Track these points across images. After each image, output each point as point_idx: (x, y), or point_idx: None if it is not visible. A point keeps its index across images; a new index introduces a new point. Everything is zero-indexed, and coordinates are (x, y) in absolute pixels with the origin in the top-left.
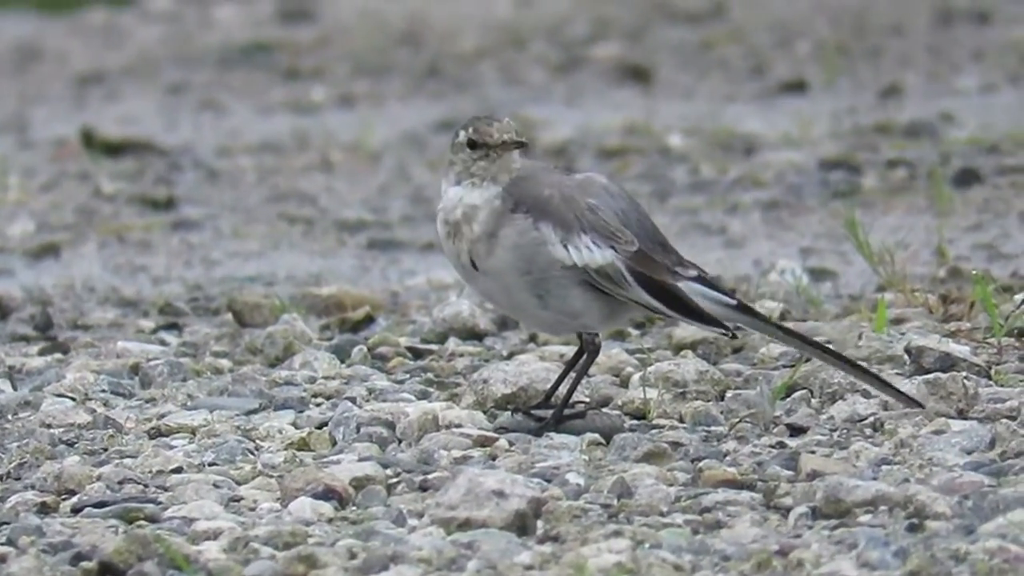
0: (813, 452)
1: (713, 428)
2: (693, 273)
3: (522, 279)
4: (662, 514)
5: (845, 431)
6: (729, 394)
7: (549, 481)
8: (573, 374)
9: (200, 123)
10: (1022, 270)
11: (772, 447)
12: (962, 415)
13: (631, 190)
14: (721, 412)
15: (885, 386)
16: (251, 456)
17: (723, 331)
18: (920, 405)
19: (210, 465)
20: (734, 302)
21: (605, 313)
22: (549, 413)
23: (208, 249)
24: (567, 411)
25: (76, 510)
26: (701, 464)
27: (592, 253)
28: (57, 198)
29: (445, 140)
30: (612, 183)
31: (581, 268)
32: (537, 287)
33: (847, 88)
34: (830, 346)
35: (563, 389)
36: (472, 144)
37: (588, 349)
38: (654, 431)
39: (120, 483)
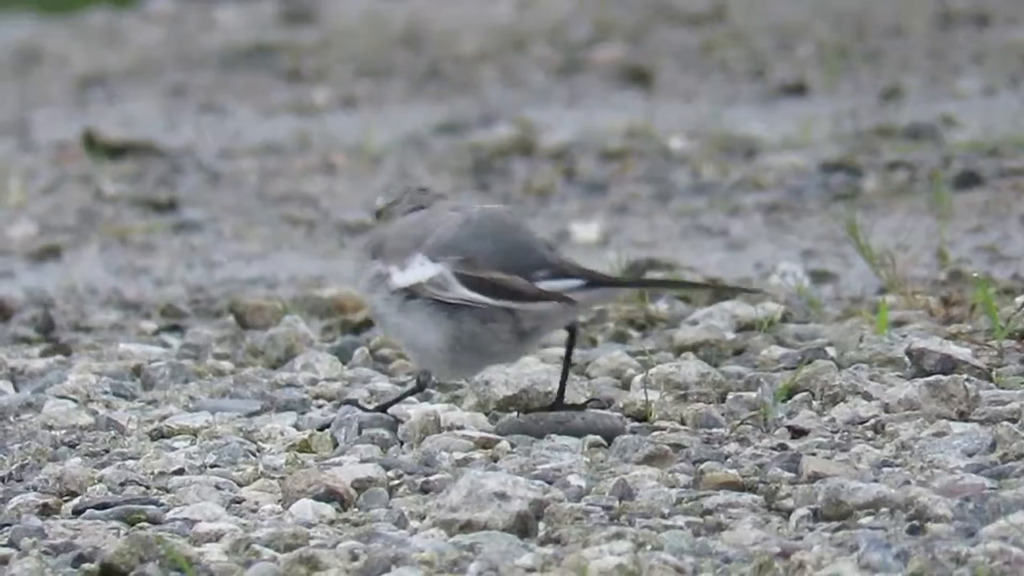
0: (814, 454)
1: (714, 430)
2: (549, 272)
3: (389, 319)
4: (663, 516)
5: (846, 433)
6: (731, 396)
7: (551, 483)
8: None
9: (202, 125)
10: (1023, 272)
11: (773, 449)
12: (963, 417)
13: (631, 192)
14: (723, 414)
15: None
16: (253, 458)
17: (558, 299)
18: (758, 291)
19: (212, 467)
20: (581, 282)
21: (455, 335)
22: (552, 414)
23: (210, 251)
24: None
25: (78, 512)
26: (702, 466)
27: (424, 269)
28: (59, 200)
29: (446, 142)
30: (493, 212)
31: (416, 284)
32: (400, 322)
33: (848, 91)
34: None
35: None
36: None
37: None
38: (655, 433)
39: (122, 485)
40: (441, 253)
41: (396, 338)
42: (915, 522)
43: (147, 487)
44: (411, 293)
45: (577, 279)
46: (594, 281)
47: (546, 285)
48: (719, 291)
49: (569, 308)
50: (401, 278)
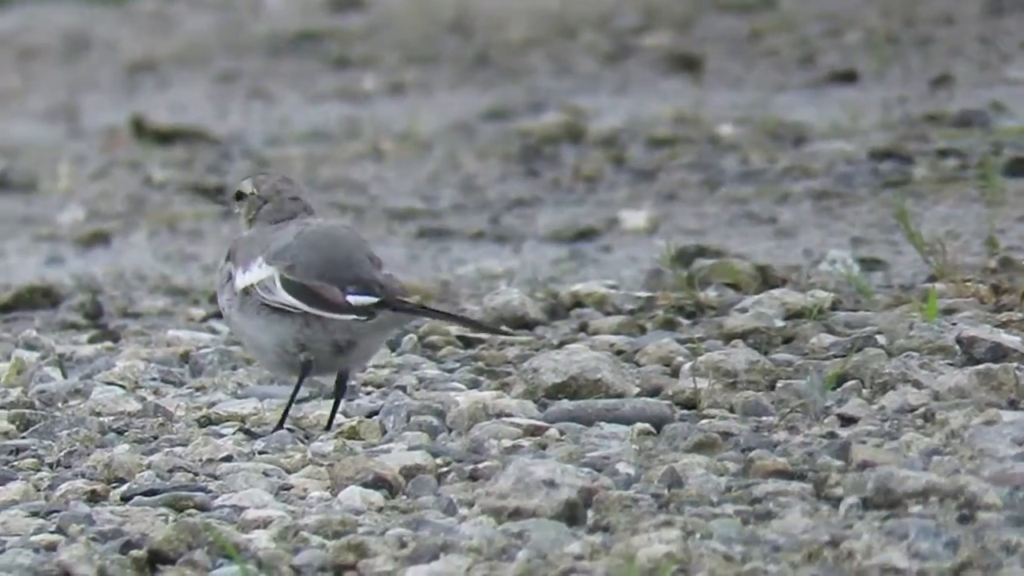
0: (864, 442)
1: (764, 418)
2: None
3: (232, 318)
4: (712, 504)
5: (896, 421)
6: (780, 384)
7: (600, 471)
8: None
9: (250, 112)
10: None
11: (823, 437)
12: (1013, 406)
13: (680, 179)
14: (772, 402)
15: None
16: (301, 444)
17: (355, 315)
18: (499, 332)
19: (260, 453)
20: (377, 299)
21: (282, 338)
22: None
23: None
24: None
25: (126, 498)
26: (752, 454)
27: (260, 272)
28: (107, 187)
29: (494, 129)
30: (327, 227)
31: (249, 285)
32: (240, 322)
33: (897, 78)
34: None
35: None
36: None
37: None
38: (704, 421)
39: (170, 471)
40: (274, 259)
41: (239, 337)
42: (965, 511)
43: (195, 474)
44: (247, 294)
45: (375, 297)
46: (385, 302)
47: (354, 299)
48: (484, 330)
49: (379, 323)
50: (241, 279)
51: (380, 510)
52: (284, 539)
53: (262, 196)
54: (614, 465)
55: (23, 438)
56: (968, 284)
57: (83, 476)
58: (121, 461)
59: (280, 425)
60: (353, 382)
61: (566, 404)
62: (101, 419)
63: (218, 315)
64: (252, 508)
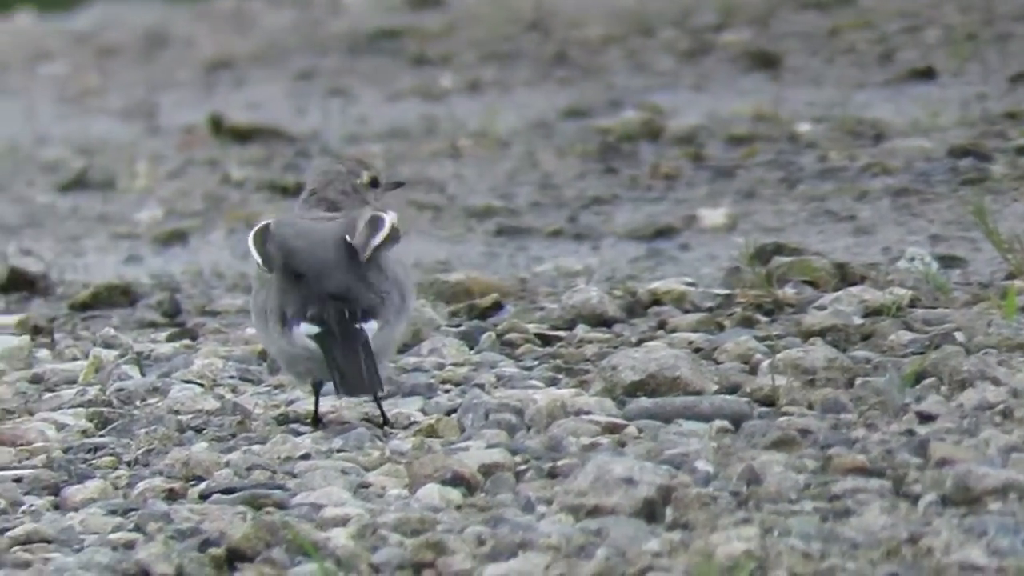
0: (943, 440)
1: (842, 415)
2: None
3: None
4: (791, 501)
5: (975, 418)
6: (858, 381)
7: (678, 468)
8: None
9: (328, 109)
10: None
11: (901, 434)
12: None
13: (758, 177)
14: (850, 399)
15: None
16: (379, 442)
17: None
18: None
19: (338, 451)
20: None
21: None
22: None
23: None
24: None
25: (204, 496)
26: (830, 451)
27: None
28: (185, 185)
29: (573, 127)
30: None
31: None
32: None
33: (976, 75)
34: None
35: None
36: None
37: None
38: (783, 418)
39: (248, 469)
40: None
41: None
42: None
43: (273, 472)
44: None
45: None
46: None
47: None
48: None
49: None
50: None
51: (458, 508)
52: (362, 537)
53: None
54: (693, 462)
55: (101, 436)
56: None
57: (161, 474)
58: (199, 459)
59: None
60: (431, 380)
61: (644, 401)
62: (179, 417)
63: None
64: (330, 506)
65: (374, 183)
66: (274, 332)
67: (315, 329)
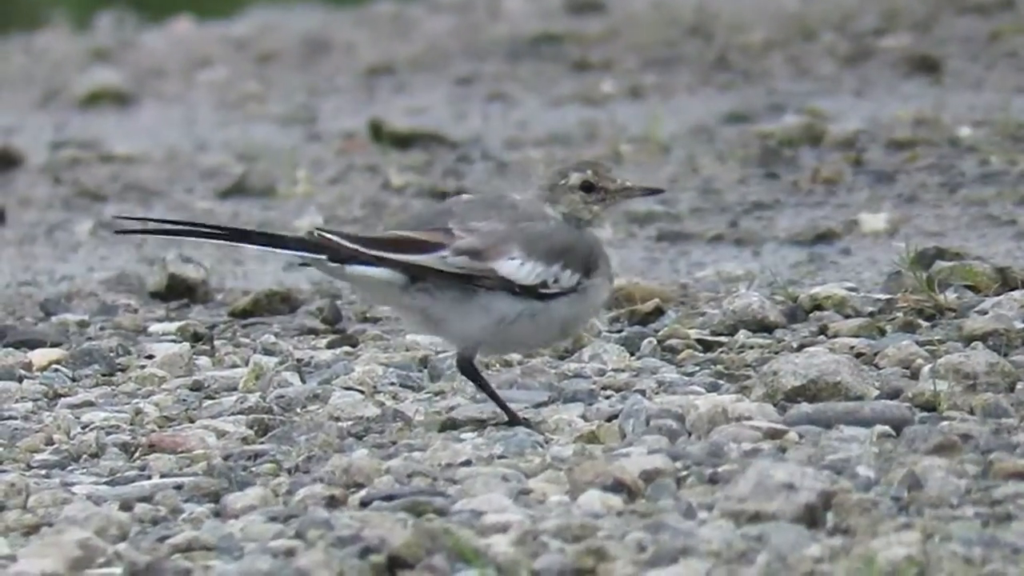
0: None
1: (1003, 420)
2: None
3: None
4: (952, 507)
5: None
6: (1020, 386)
7: (839, 473)
8: None
9: (489, 115)
10: None
11: None
12: None
13: (919, 181)
14: (1012, 404)
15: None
16: (540, 449)
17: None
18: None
19: (499, 458)
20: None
21: None
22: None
23: None
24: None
25: (364, 503)
26: (991, 456)
27: None
28: (345, 190)
29: (734, 131)
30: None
31: None
32: None
33: None
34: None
35: None
36: (588, 187)
37: None
38: (944, 423)
39: (409, 476)
40: None
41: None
42: None
43: (434, 478)
44: None
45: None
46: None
47: None
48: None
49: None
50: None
51: (619, 514)
52: (523, 544)
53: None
54: (854, 468)
55: (262, 443)
56: None
57: (322, 481)
58: (360, 466)
59: (510, 415)
60: (592, 386)
61: (805, 407)
62: (340, 424)
63: None
64: (491, 512)
65: (585, 186)
66: None
67: None
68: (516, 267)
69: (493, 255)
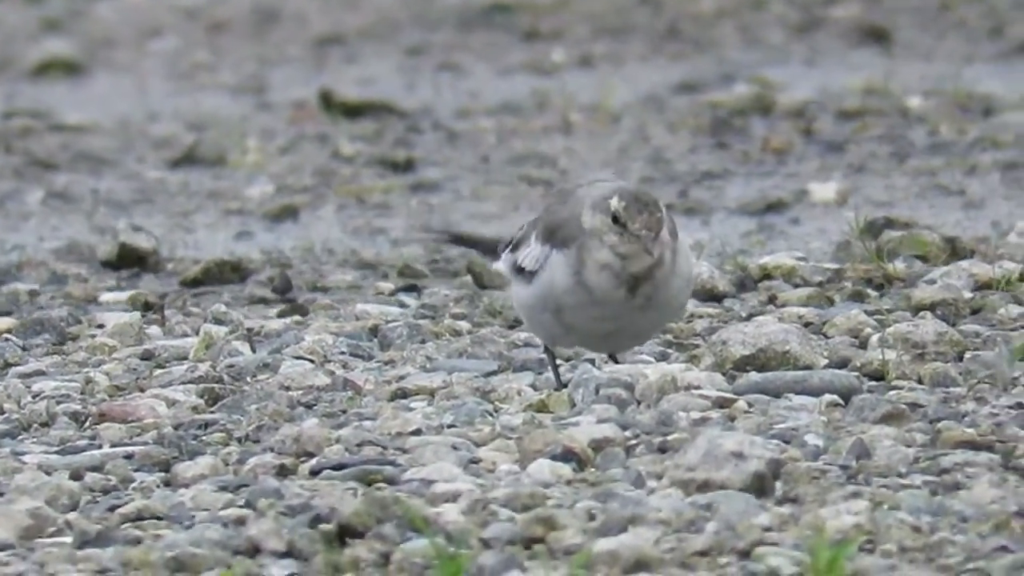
0: None
1: (952, 389)
2: None
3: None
4: (901, 475)
5: None
6: (968, 355)
7: (788, 442)
8: None
9: (439, 84)
10: None
11: (1011, 408)
12: None
13: (869, 151)
14: (960, 373)
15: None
16: (490, 418)
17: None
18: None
19: (449, 427)
20: None
21: None
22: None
23: (447, 211)
24: None
25: (315, 472)
26: (940, 425)
27: None
28: (296, 160)
29: (684, 101)
30: None
31: None
32: None
33: None
34: None
35: None
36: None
37: None
38: (892, 392)
39: (359, 445)
40: None
41: None
42: None
43: (384, 447)
44: None
45: None
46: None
47: None
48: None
49: None
50: None
51: (569, 483)
52: (473, 512)
53: None
54: (802, 437)
55: (212, 413)
56: None
57: (272, 450)
58: (310, 435)
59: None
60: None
61: (754, 376)
62: (290, 393)
63: (407, 288)
64: (441, 482)
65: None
66: None
67: None
68: None
69: None
